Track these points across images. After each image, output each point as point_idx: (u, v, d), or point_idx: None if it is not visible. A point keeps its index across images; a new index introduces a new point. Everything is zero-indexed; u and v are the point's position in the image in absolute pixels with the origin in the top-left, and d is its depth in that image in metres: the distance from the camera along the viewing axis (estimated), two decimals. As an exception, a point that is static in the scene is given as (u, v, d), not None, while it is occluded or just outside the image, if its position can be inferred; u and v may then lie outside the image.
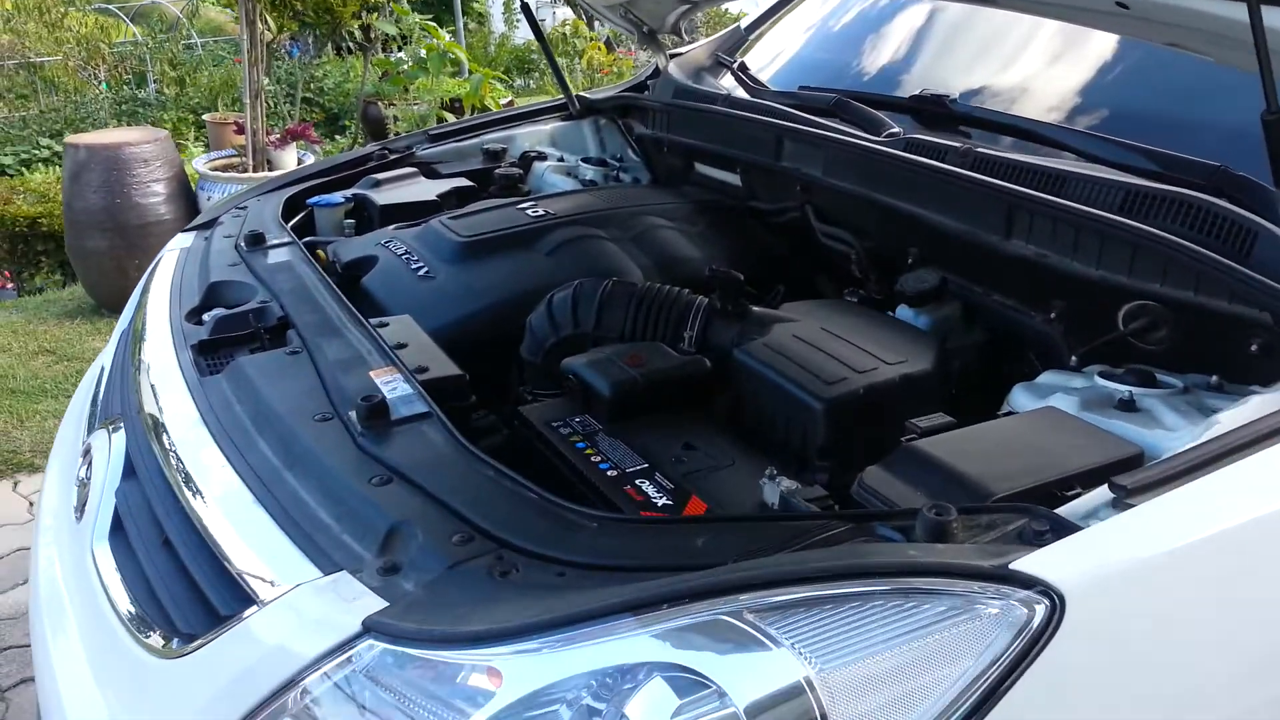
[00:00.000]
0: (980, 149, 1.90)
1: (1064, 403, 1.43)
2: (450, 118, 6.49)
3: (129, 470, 1.67)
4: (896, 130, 2.13)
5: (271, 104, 6.65)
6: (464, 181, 2.78)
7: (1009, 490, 1.17)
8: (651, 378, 1.54)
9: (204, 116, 6.82)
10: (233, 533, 1.32)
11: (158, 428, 1.62)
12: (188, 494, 1.43)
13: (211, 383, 1.65)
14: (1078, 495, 1.20)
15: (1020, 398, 1.53)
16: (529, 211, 2.25)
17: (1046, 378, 1.57)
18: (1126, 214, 1.62)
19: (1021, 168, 1.80)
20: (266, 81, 6.04)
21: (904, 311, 1.90)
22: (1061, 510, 1.11)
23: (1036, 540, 1.05)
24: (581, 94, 3.22)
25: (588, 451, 1.45)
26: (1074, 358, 1.61)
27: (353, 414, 1.42)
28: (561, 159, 3.03)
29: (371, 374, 1.56)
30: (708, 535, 1.09)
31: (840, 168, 2.11)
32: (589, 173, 2.93)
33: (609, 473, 1.39)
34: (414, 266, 2.09)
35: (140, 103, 8.95)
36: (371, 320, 1.73)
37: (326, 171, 2.82)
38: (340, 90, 8.85)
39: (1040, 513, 1.08)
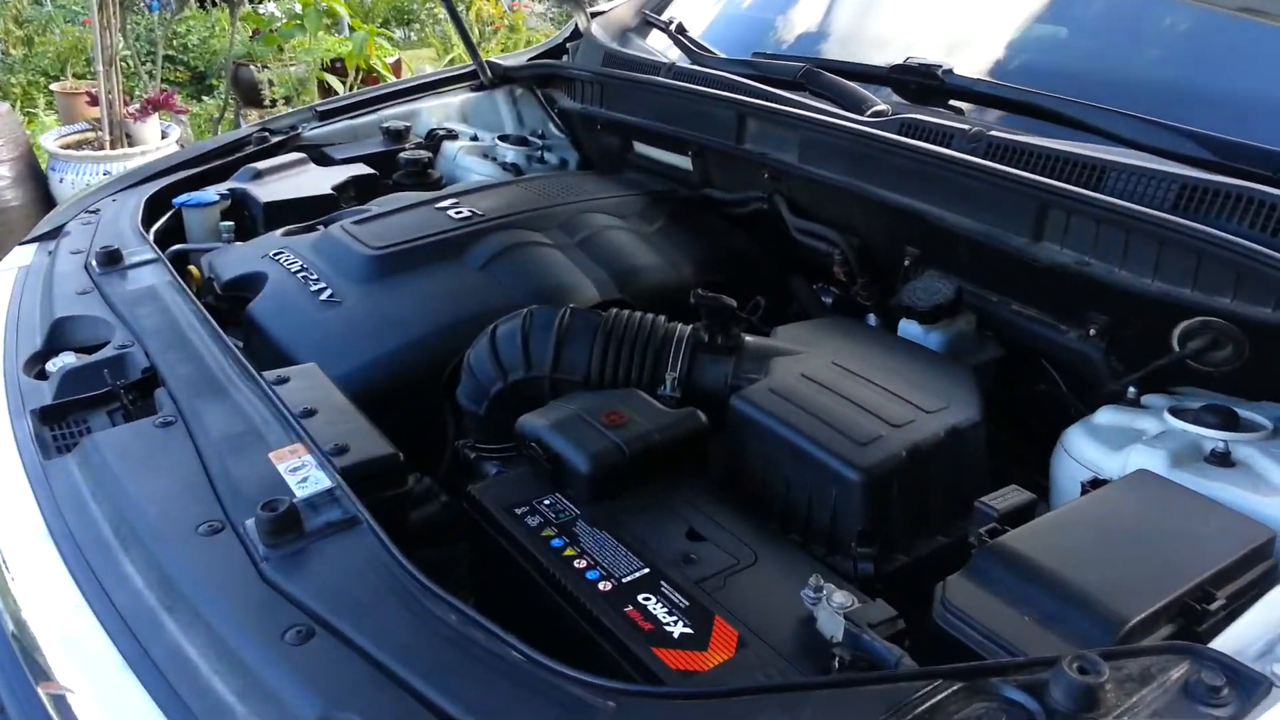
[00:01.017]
0: (994, 132, 1.61)
1: (1150, 459, 1.17)
2: (333, 81, 5.93)
3: (-52, 595, 1.27)
4: (883, 108, 1.83)
5: (129, 65, 5.96)
6: (362, 169, 2.38)
7: (1144, 613, 0.90)
8: (639, 444, 1.22)
9: (51, 86, 6.07)
10: (92, 713, 0.95)
11: (-15, 538, 1.23)
12: (28, 649, 1.05)
13: (59, 469, 1.26)
14: (1222, 609, 0.94)
15: (1081, 445, 1.27)
16: (451, 213, 1.87)
17: (1107, 417, 1.31)
18: (1182, 212, 1.36)
19: (1048, 156, 1.52)
20: (123, 44, 5.38)
21: (910, 328, 1.61)
22: (1222, 643, 0.85)
23: (1211, 700, 0.78)
24: (493, 60, 2.83)
25: (567, 552, 1.12)
26: (1130, 388, 1.34)
27: (251, 524, 1.06)
28: (475, 138, 2.64)
29: (272, 457, 1.19)
30: (775, 713, 0.79)
31: (820, 153, 1.80)
32: (509, 154, 2.56)
33: (600, 585, 1.07)
34: (314, 288, 1.71)
35: (-19, 65, 8.01)
36: (267, 375, 1.35)
37: (195, 160, 2.37)
38: (206, 47, 8.08)
39: (1206, 656, 0.82)
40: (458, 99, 2.80)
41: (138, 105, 4.97)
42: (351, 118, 2.65)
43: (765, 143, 1.92)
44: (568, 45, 2.88)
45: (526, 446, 1.27)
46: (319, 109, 2.63)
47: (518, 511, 1.19)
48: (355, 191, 2.33)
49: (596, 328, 1.44)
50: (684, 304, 1.79)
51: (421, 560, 1.04)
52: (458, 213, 1.87)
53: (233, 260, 1.88)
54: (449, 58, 7.07)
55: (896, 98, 1.90)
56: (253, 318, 1.70)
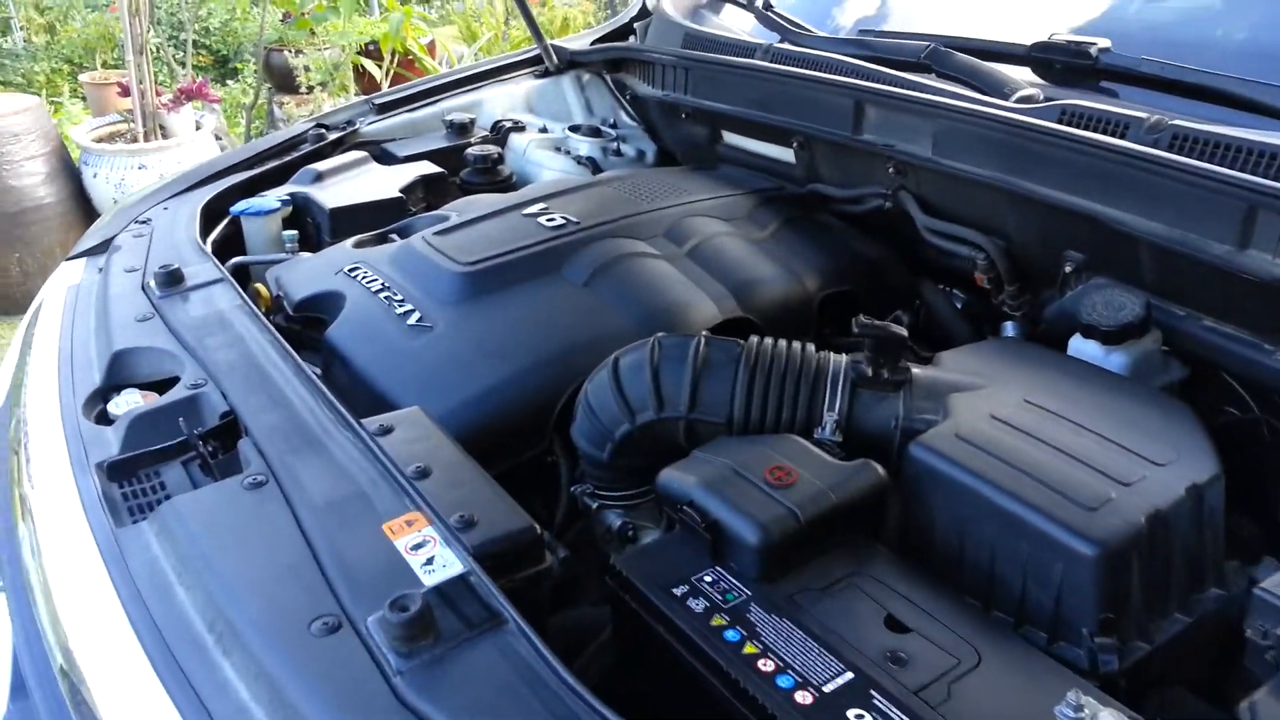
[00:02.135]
0: (1178, 121, 1.40)
1: None
2: (369, 65, 5.74)
3: (18, 685, 1.11)
4: (1030, 92, 1.62)
5: (156, 52, 5.79)
6: (429, 167, 2.19)
7: None
8: (814, 508, 1.03)
9: (80, 77, 5.91)
10: None
11: (55, 625, 1.06)
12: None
13: (135, 540, 1.09)
14: None
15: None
16: (542, 220, 1.68)
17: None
18: None
19: (1248, 149, 1.31)
20: (152, 33, 5.20)
21: (1086, 348, 1.41)
22: None
23: None
24: (558, 43, 2.62)
25: (748, 649, 0.93)
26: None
27: (377, 625, 0.89)
28: (544, 129, 2.44)
29: (387, 530, 1.02)
30: None
31: (961, 145, 1.59)
32: (582, 146, 2.36)
33: (797, 695, 0.88)
34: (399, 311, 1.52)
35: (6, 54, 7.87)
36: (368, 424, 1.17)
37: (249, 162, 2.20)
38: (228, 30, 7.91)
39: None
40: (521, 87, 2.60)
41: (171, 95, 4.79)
42: (411, 110, 2.46)
43: (889, 132, 1.71)
44: (634, 25, 2.67)
45: (676, 510, 1.08)
46: (376, 102, 2.43)
47: (677, 592, 1.01)
48: (424, 192, 2.14)
49: (738, 360, 1.25)
50: (808, 320, 1.62)
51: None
52: (549, 220, 1.68)
53: (304, 277, 1.70)
54: (479, 42, 6.83)
55: (1036, 79, 1.69)
56: (332, 344, 1.52)
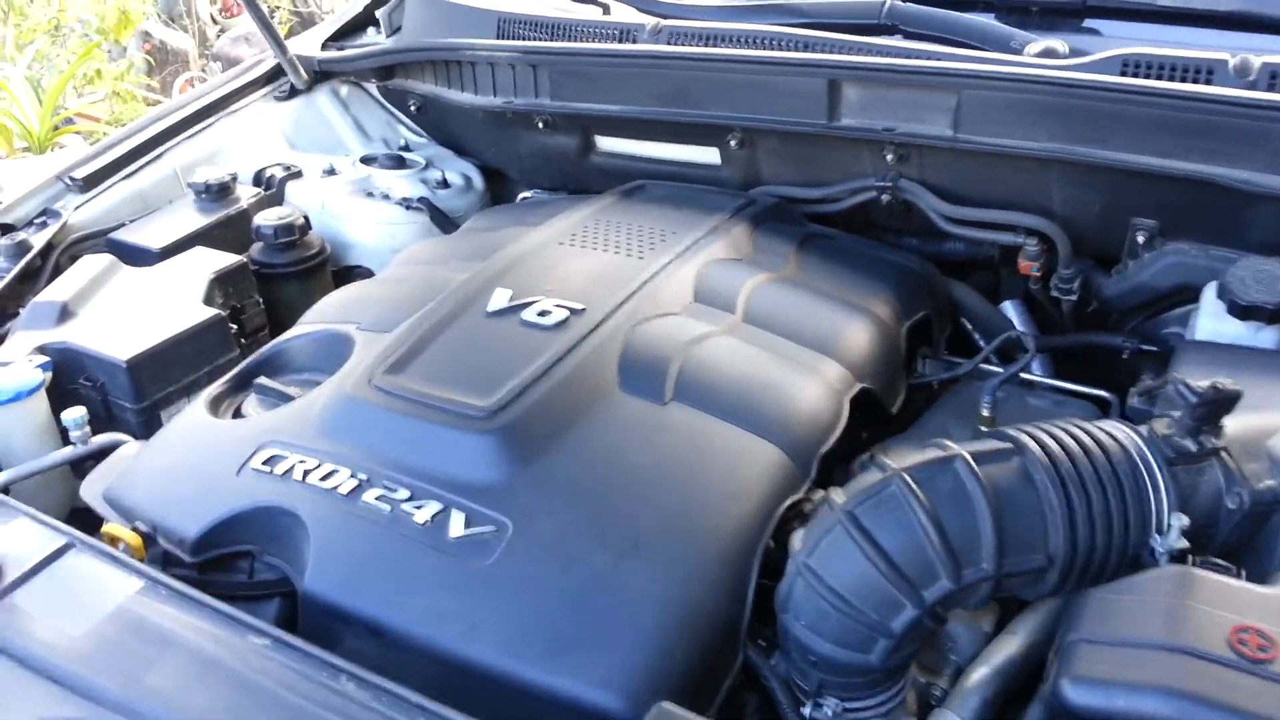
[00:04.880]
0: (1268, 58, 1.25)
1: None
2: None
3: None
4: (1051, 44, 1.39)
5: None
6: (215, 257, 1.54)
7: None
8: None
9: None
10: None
11: None
12: None
13: None
14: None
15: None
16: (531, 315, 1.18)
17: None
18: None
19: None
20: None
21: (1226, 327, 1.23)
22: None
23: None
24: (297, 53, 1.97)
25: None
26: None
27: None
28: (331, 170, 1.83)
29: None
30: None
31: (998, 117, 1.34)
32: (399, 185, 1.80)
33: None
34: (421, 517, 0.97)
35: None
36: None
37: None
38: None
39: None
40: (265, 116, 1.93)
41: None
42: (128, 176, 1.72)
43: (881, 113, 1.41)
44: (377, 15, 2.09)
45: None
46: (75, 175, 1.66)
47: None
48: (223, 297, 1.49)
49: (1027, 474, 0.90)
50: (899, 362, 1.30)
51: None
52: (542, 314, 1.17)
53: (182, 495, 1.06)
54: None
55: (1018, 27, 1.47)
56: (327, 604, 0.94)
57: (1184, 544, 0.91)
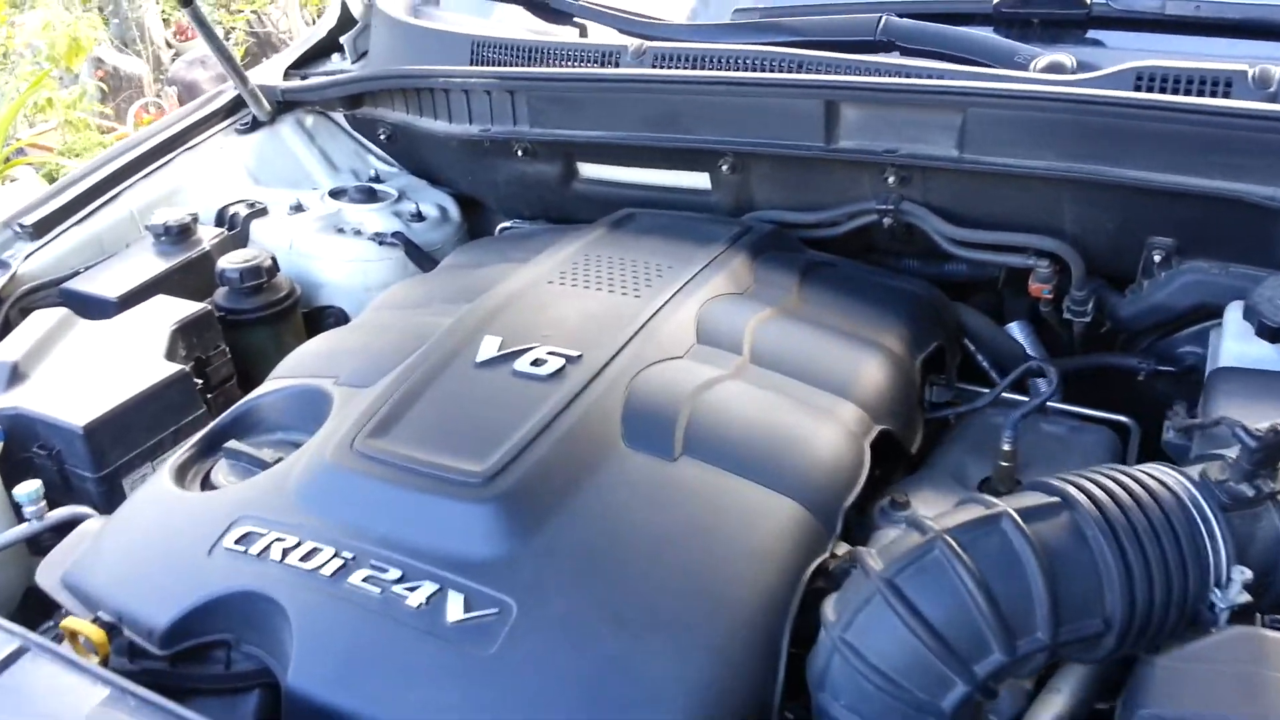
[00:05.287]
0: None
1: None
2: None
3: None
4: (1059, 59, 1.33)
5: None
6: (178, 306, 1.44)
7: None
8: None
9: None
10: None
11: None
12: None
13: None
14: None
15: None
16: (524, 365, 1.10)
17: None
18: None
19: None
20: None
21: (1251, 349, 1.17)
22: None
23: None
24: (259, 83, 1.88)
25: None
26: None
27: None
28: (299, 206, 1.73)
29: None
30: None
31: (1007, 136, 1.27)
32: (371, 219, 1.71)
33: None
34: (415, 600, 0.88)
35: None
36: None
37: None
38: None
39: None
40: (226, 151, 1.83)
41: None
42: (81, 220, 1.61)
43: (883, 134, 1.35)
44: (341, 41, 2.00)
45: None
46: (25, 222, 1.55)
47: None
48: (186, 349, 1.39)
49: (1079, 531, 0.83)
50: (915, 398, 1.23)
51: None
52: (536, 364, 1.09)
53: (147, 582, 0.97)
54: None
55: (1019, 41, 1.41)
56: (312, 703, 0.85)
57: (1246, 598, 0.84)
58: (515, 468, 0.95)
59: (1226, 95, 1.20)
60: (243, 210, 1.70)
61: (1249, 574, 0.84)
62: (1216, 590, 0.85)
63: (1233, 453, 0.90)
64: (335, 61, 2.03)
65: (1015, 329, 1.51)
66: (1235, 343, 1.20)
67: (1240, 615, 0.86)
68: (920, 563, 0.83)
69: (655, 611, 0.87)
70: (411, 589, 0.89)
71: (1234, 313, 1.22)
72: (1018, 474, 1.18)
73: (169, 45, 5.65)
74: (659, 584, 0.90)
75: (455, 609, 0.87)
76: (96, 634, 0.93)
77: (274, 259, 1.56)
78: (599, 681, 0.83)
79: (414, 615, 0.87)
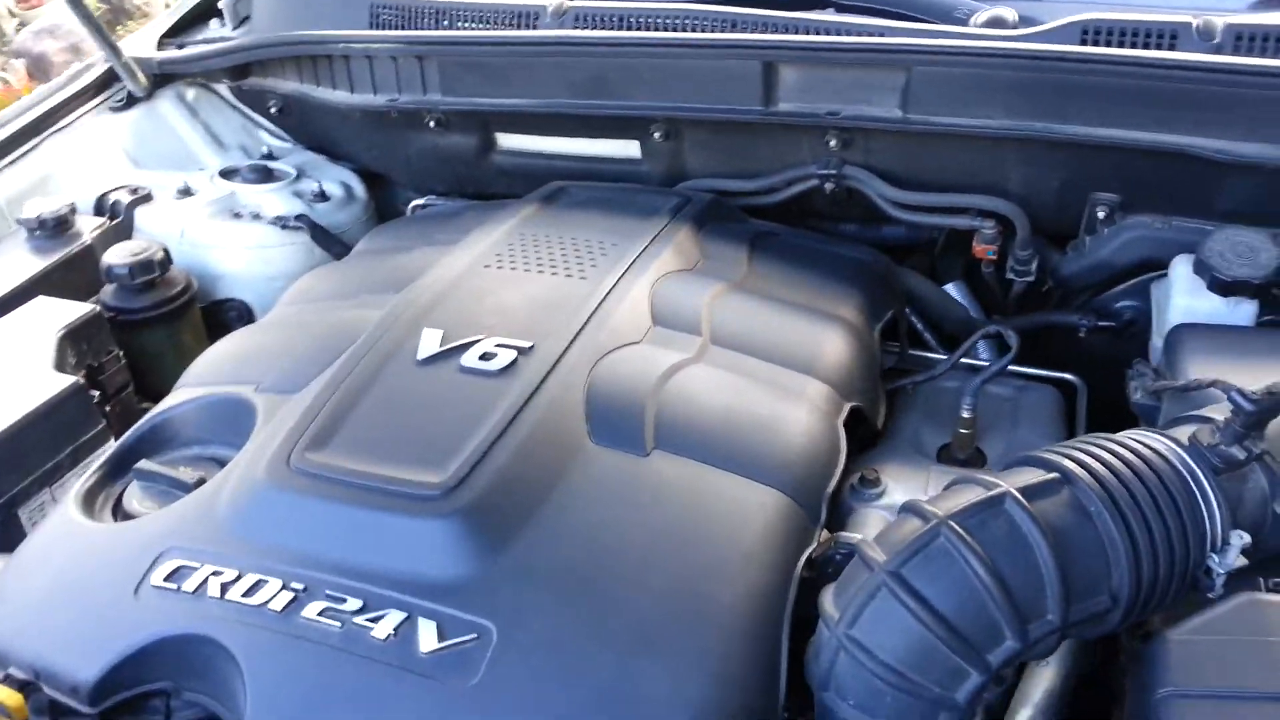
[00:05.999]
0: (1232, 20, 1.19)
1: None
2: None
3: None
4: (1000, 13, 1.30)
5: None
6: (64, 309, 1.29)
7: None
8: None
9: None
10: None
11: None
12: None
13: None
14: None
15: None
16: (470, 360, 1.01)
17: None
18: None
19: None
20: None
21: (1201, 304, 1.18)
22: None
23: None
24: (132, 55, 1.70)
25: None
26: None
27: None
28: (187, 190, 1.58)
29: None
30: None
31: (952, 95, 1.24)
32: (271, 202, 1.57)
33: None
34: (382, 633, 0.80)
35: None
36: None
37: None
38: None
39: None
40: (99, 131, 1.66)
41: None
42: (-64, 215, 1.44)
43: (823, 96, 1.29)
44: (220, 5, 1.84)
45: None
46: None
47: None
48: (90, 355, 1.25)
49: (1081, 507, 0.80)
50: (876, 369, 1.19)
51: None
52: (484, 358, 1.00)
53: (69, 628, 0.85)
54: None
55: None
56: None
57: (1243, 562, 0.83)
58: (477, 476, 0.87)
59: (1172, 47, 1.19)
60: (125, 197, 1.54)
61: (1247, 538, 0.82)
62: (1214, 555, 0.83)
63: (1216, 413, 0.89)
64: (214, 28, 1.86)
65: (952, 290, 1.50)
66: (1184, 298, 1.20)
67: (1236, 577, 0.85)
68: (926, 551, 0.79)
69: (645, 627, 0.81)
70: (376, 619, 0.80)
71: (1182, 267, 1.22)
72: (976, 440, 1.16)
73: (12, 14, 5.20)
74: (646, 595, 0.83)
75: (428, 638, 0.79)
76: (10, 696, 0.81)
77: (166, 250, 1.42)
78: (590, 708, 0.77)
79: (382, 649, 0.79)
